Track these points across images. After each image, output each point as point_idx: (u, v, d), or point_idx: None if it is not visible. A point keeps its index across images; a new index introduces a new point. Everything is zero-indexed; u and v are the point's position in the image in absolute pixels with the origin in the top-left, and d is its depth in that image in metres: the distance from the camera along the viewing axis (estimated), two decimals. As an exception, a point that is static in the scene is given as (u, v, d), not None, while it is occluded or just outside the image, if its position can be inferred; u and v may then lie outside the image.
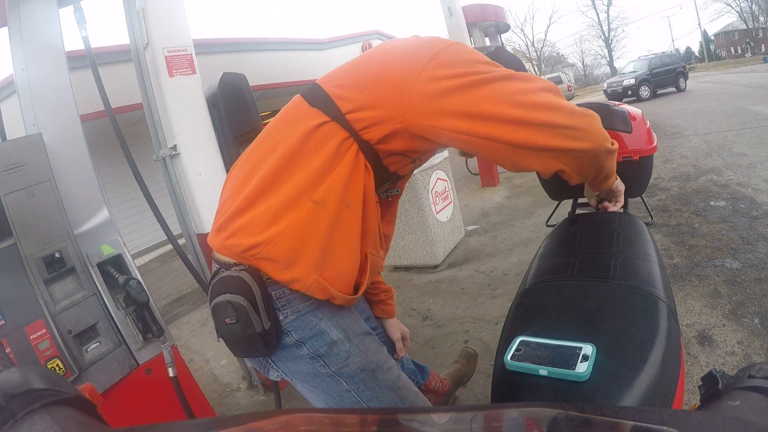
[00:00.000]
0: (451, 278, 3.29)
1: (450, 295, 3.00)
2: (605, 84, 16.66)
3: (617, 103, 1.27)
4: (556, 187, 1.45)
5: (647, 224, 1.19)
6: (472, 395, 1.92)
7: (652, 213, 1.52)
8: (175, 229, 2.09)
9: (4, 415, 0.29)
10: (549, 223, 1.52)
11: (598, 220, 1.20)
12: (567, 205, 1.53)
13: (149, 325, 1.57)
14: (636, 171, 1.23)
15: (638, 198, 1.42)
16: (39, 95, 1.52)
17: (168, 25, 1.72)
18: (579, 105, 1.33)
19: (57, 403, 0.32)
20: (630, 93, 15.13)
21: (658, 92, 15.45)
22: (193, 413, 1.64)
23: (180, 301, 4.62)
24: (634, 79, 15.16)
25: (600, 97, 21.85)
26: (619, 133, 1.21)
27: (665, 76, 15.42)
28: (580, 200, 1.46)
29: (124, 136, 1.74)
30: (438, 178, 3.68)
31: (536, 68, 44.08)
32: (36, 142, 1.46)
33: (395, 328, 1.34)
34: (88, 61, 1.58)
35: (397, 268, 3.73)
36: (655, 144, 1.22)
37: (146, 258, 7.65)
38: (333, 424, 0.41)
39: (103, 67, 1.72)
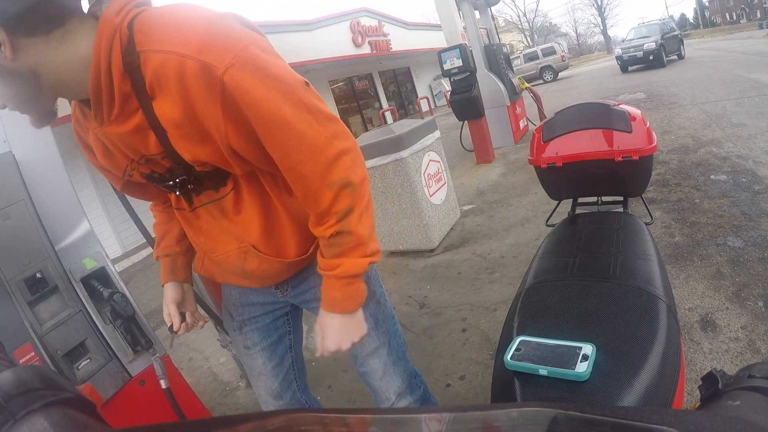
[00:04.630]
0: (447, 262, 3.26)
1: (447, 281, 2.97)
2: (619, 50, 14.52)
3: (617, 102, 1.25)
4: (556, 187, 1.44)
5: (647, 224, 1.19)
6: (471, 387, 1.92)
7: (650, 208, 1.52)
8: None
9: (4, 415, 0.30)
10: (549, 223, 1.51)
11: (598, 220, 1.20)
12: (567, 204, 1.51)
13: (137, 338, 1.54)
14: (636, 170, 1.22)
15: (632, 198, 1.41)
16: (7, 110, 1.44)
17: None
18: (580, 104, 1.27)
19: (57, 403, 0.32)
20: (652, 58, 13.11)
21: (668, 59, 13.73)
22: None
23: (179, 296, 4.59)
24: (654, 43, 13.14)
25: (603, 65, 21.23)
26: (619, 132, 1.19)
27: (672, 43, 14.12)
28: (580, 200, 1.46)
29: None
30: (430, 160, 3.60)
31: (529, 39, 43.36)
32: (7, 161, 1.41)
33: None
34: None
35: (393, 254, 3.71)
36: (654, 144, 1.21)
37: (145, 252, 7.60)
38: (333, 424, 0.41)
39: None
